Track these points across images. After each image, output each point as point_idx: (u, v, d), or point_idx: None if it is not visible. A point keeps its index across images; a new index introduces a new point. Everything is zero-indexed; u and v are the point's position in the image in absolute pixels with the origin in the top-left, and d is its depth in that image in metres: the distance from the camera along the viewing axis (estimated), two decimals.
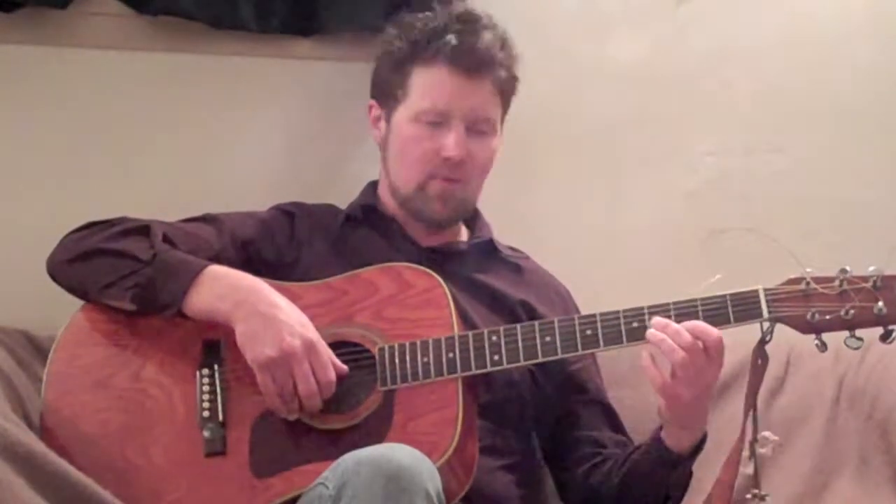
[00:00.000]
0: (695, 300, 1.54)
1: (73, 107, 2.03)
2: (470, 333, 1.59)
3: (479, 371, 1.57)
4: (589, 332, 1.56)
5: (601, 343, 1.56)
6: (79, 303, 1.68)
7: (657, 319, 1.51)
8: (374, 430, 1.54)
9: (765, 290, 1.53)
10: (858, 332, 1.51)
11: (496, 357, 1.57)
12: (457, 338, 1.58)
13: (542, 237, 2.09)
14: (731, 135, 2.28)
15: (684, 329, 1.49)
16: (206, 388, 1.60)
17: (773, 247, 1.54)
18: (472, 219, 1.90)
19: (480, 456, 1.59)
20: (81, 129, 2.04)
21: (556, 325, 1.57)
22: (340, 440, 1.53)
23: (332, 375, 1.55)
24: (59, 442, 1.56)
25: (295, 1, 2.06)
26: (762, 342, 1.55)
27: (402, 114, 1.79)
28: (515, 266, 1.86)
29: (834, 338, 1.53)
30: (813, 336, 1.53)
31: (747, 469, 1.57)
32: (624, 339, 1.54)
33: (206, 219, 1.78)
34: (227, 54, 2.09)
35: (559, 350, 1.57)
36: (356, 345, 1.61)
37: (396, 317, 1.61)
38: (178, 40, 2.05)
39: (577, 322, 1.57)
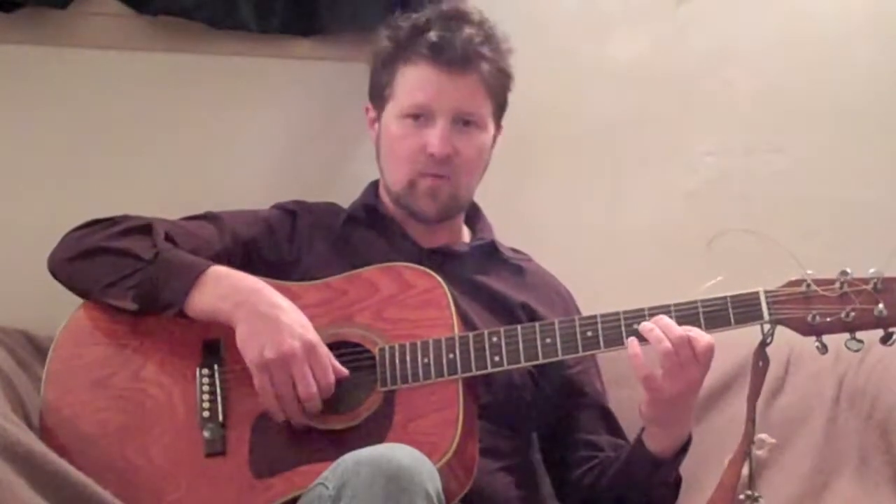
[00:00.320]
0: (695, 302, 1.54)
1: (73, 107, 2.03)
2: (470, 334, 1.59)
3: (479, 372, 1.57)
4: (590, 333, 1.56)
5: (602, 344, 1.56)
6: (78, 302, 1.68)
7: (655, 318, 1.52)
8: (374, 431, 1.54)
9: (765, 292, 1.54)
10: (859, 335, 1.52)
11: (497, 358, 1.57)
12: (457, 338, 1.58)
13: (542, 237, 2.09)
14: (731, 135, 2.28)
15: (676, 324, 1.50)
16: (206, 388, 1.60)
17: (773, 248, 1.54)
18: (474, 220, 1.90)
19: (480, 457, 1.59)
20: (81, 129, 2.04)
21: (556, 326, 1.57)
22: (340, 441, 1.53)
23: (332, 378, 1.55)
24: (58, 441, 1.56)
25: (295, 1, 2.06)
26: (763, 344, 1.55)
27: (389, 112, 1.80)
28: (517, 268, 1.86)
29: (834, 339, 1.53)
30: (813, 338, 1.53)
31: (745, 469, 1.57)
32: (625, 340, 1.54)
33: (207, 217, 1.78)
34: (227, 54, 2.09)
35: (560, 351, 1.57)
36: (356, 345, 1.61)
37: (397, 317, 1.61)
38: (178, 40, 2.05)
39: (577, 323, 1.57)
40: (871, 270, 1.51)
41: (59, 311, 1.68)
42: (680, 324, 1.52)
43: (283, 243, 1.79)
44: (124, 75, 2.06)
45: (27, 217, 1.97)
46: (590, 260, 2.16)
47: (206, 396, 1.60)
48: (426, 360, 1.57)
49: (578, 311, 1.85)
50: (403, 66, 1.78)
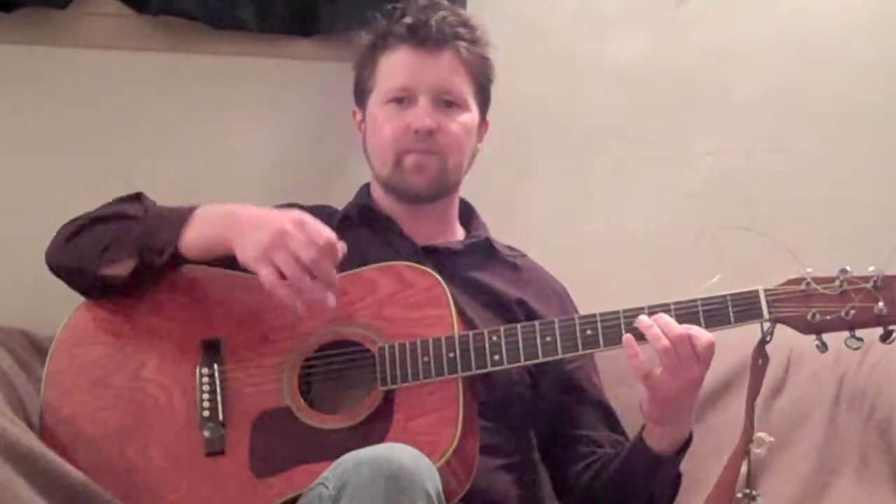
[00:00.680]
0: (695, 300, 1.54)
1: (74, 107, 2.03)
2: (470, 333, 1.59)
3: (479, 371, 1.57)
4: (589, 332, 1.56)
5: (601, 343, 1.56)
6: (78, 301, 1.68)
7: (655, 316, 1.52)
8: (374, 430, 1.54)
9: (765, 290, 1.53)
10: (859, 333, 1.51)
11: (496, 357, 1.57)
12: (457, 337, 1.58)
13: (541, 237, 2.09)
14: (731, 135, 2.28)
15: (676, 323, 1.50)
16: (205, 387, 1.60)
17: (773, 246, 1.54)
18: (469, 218, 1.90)
19: (479, 455, 1.58)
20: (81, 129, 2.04)
21: (556, 325, 1.57)
22: (340, 440, 1.53)
23: (330, 234, 1.53)
24: (58, 441, 1.56)
25: (295, 1, 2.06)
26: (762, 342, 1.55)
27: (373, 103, 1.82)
28: (512, 265, 1.86)
29: (834, 338, 1.53)
30: (813, 336, 1.53)
31: (744, 468, 1.57)
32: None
33: None
34: (227, 54, 2.09)
35: (560, 350, 1.57)
36: (356, 344, 1.61)
37: (396, 316, 1.61)
38: (178, 40, 2.05)
39: (577, 322, 1.57)
40: (871, 268, 1.51)
41: (59, 311, 1.68)
42: (680, 322, 1.51)
43: None
44: (124, 75, 2.06)
45: (27, 217, 1.97)
46: (590, 260, 2.17)
47: (205, 396, 1.60)
48: (426, 359, 1.57)
49: (574, 307, 1.85)
50: (382, 54, 1.81)
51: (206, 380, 1.61)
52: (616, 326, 1.55)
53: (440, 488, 1.37)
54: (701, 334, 1.50)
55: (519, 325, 1.59)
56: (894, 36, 2.32)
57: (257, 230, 1.53)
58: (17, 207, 1.99)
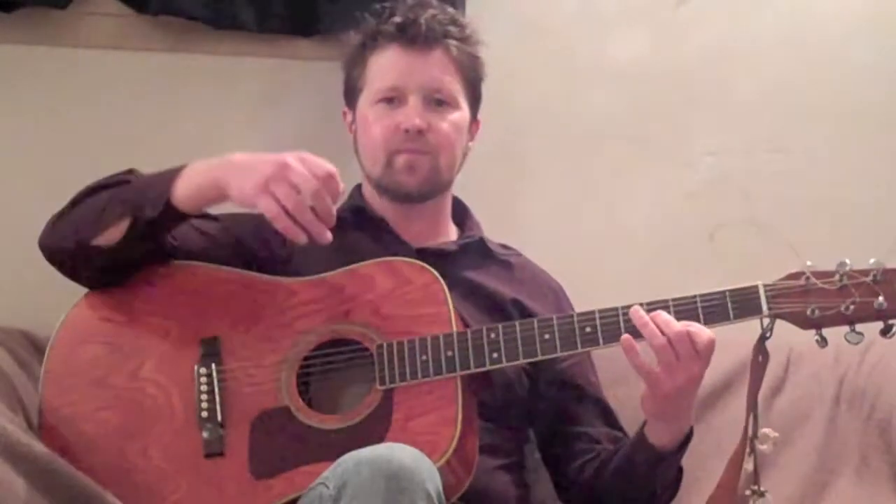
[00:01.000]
0: (694, 297, 1.53)
1: (73, 107, 2.03)
2: (469, 331, 1.58)
3: (478, 369, 1.56)
4: (588, 329, 1.55)
5: (601, 341, 1.55)
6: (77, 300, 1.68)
7: (653, 314, 1.52)
8: (373, 430, 1.53)
9: (764, 286, 1.53)
10: (859, 327, 1.51)
11: (495, 355, 1.56)
12: (455, 336, 1.57)
13: (541, 237, 2.10)
14: (731, 135, 2.28)
15: (675, 320, 1.50)
16: (203, 387, 1.60)
17: (772, 241, 1.54)
18: (463, 217, 1.90)
19: (479, 455, 1.58)
20: (81, 129, 2.04)
21: (555, 322, 1.57)
22: (340, 440, 1.52)
23: (329, 166, 1.53)
24: (58, 443, 1.55)
25: (295, 1, 2.06)
26: (762, 338, 1.54)
27: (363, 102, 1.81)
28: (507, 263, 1.85)
29: (834, 337, 1.53)
30: (813, 332, 1.52)
31: (748, 465, 1.56)
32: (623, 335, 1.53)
33: (202, 216, 1.77)
34: (227, 54, 2.09)
35: (559, 348, 1.56)
36: (355, 342, 1.61)
37: (394, 313, 1.61)
38: (178, 40, 2.06)
39: (575, 319, 1.56)
40: (871, 261, 1.50)
41: (59, 311, 1.67)
42: (679, 319, 1.51)
43: (274, 243, 1.78)
44: (124, 75, 2.06)
45: (27, 217, 1.96)
46: (589, 260, 2.16)
47: (204, 396, 1.59)
48: (424, 358, 1.56)
49: (570, 305, 1.85)
50: (371, 54, 1.80)
51: (203, 380, 1.60)
52: (615, 324, 1.54)
53: (440, 488, 1.37)
54: (701, 331, 1.50)
55: (517, 323, 1.58)
56: (894, 36, 2.31)
57: (254, 167, 1.53)
58: (17, 207, 1.99)
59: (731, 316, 1.52)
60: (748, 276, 1.55)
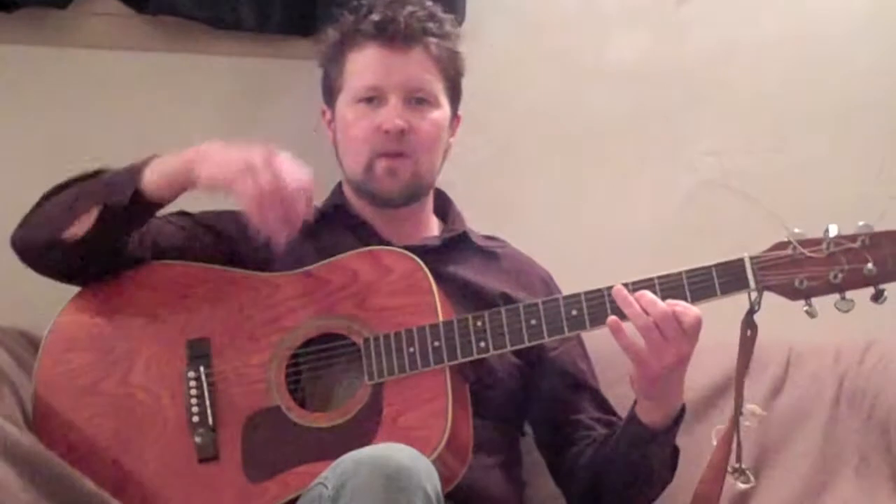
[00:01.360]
0: (679, 273, 1.51)
1: (73, 107, 2.03)
2: (454, 320, 1.56)
3: (465, 359, 1.55)
4: (574, 312, 1.54)
5: (588, 323, 1.53)
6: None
7: (638, 294, 1.50)
8: (364, 427, 1.52)
9: (750, 258, 1.50)
10: (849, 294, 1.47)
11: (482, 344, 1.55)
12: (441, 325, 1.56)
13: (541, 237, 2.09)
14: (731, 135, 2.28)
15: (660, 300, 1.48)
16: (193, 391, 1.59)
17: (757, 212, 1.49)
18: (445, 210, 1.88)
19: (474, 454, 1.57)
20: (82, 129, 2.04)
21: (540, 307, 1.55)
22: (332, 439, 1.52)
23: (306, 172, 1.54)
24: (53, 451, 1.53)
25: (295, 1, 2.06)
26: (751, 312, 1.51)
27: (342, 102, 1.79)
28: (492, 255, 1.83)
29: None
30: (802, 302, 1.49)
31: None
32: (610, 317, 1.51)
33: (180, 213, 1.76)
34: (227, 54, 2.09)
35: (545, 333, 1.54)
36: (342, 337, 1.59)
37: (379, 305, 1.59)
38: (178, 40, 2.06)
39: (561, 303, 1.55)
40: (860, 223, 1.48)
41: (58, 311, 1.67)
42: (665, 297, 1.49)
43: (256, 239, 1.76)
44: (124, 75, 2.06)
45: None
46: (589, 260, 2.16)
47: (194, 400, 1.58)
48: (411, 350, 1.55)
49: (560, 293, 1.83)
50: (350, 52, 1.78)
51: (193, 383, 1.59)
52: (601, 305, 1.52)
53: (438, 487, 1.36)
54: (687, 310, 1.48)
55: (503, 309, 1.56)
56: (894, 36, 2.31)
57: (231, 152, 1.53)
58: (16, 207, 1.99)
59: (719, 291, 1.50)
60: (734, 244, 1.53)
